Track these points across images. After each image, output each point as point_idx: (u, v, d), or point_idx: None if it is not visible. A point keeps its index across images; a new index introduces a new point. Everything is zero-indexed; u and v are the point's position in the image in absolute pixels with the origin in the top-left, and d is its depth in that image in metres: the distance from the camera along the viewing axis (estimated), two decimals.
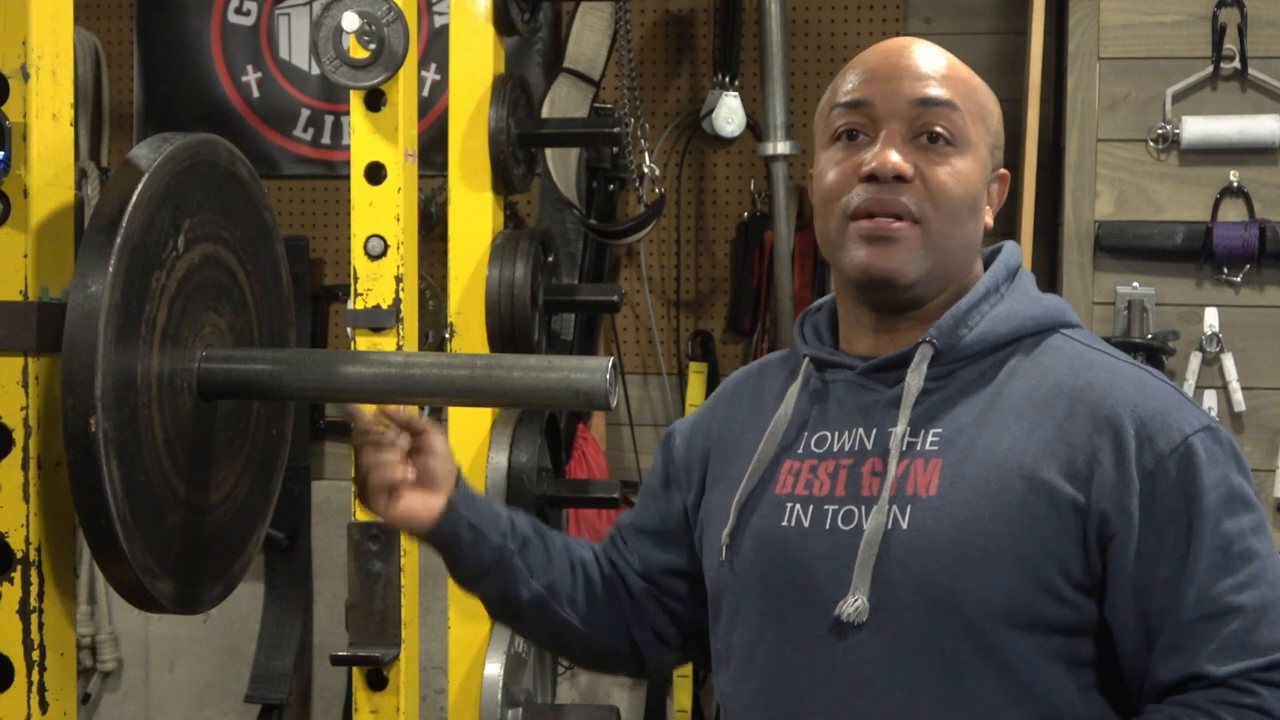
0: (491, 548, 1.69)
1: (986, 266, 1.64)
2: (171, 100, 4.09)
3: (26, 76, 1.68)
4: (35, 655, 1.69)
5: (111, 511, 1.63)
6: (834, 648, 1.51)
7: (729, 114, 3.71)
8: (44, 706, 1.70)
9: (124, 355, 1.66)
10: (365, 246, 2.47)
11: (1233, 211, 3.26)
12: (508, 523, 1.72)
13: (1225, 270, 3.25)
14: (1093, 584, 1.48)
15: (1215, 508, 1.46)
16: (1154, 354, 3.17)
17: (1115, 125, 3.30)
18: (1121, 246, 3.27)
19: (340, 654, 2.47)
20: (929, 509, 1.49)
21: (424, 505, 1.68)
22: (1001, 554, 1.46)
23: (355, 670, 2.50)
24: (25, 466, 1.69)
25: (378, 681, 2.49)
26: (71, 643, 1.77)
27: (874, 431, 1.56)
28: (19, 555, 1.69)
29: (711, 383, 3.78)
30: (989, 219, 1.63)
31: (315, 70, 3.97)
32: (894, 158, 1.53)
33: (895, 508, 1.50)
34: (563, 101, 3.43)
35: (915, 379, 1.55)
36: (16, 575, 1.69)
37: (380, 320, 2.46)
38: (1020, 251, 1.67)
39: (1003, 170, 1.65)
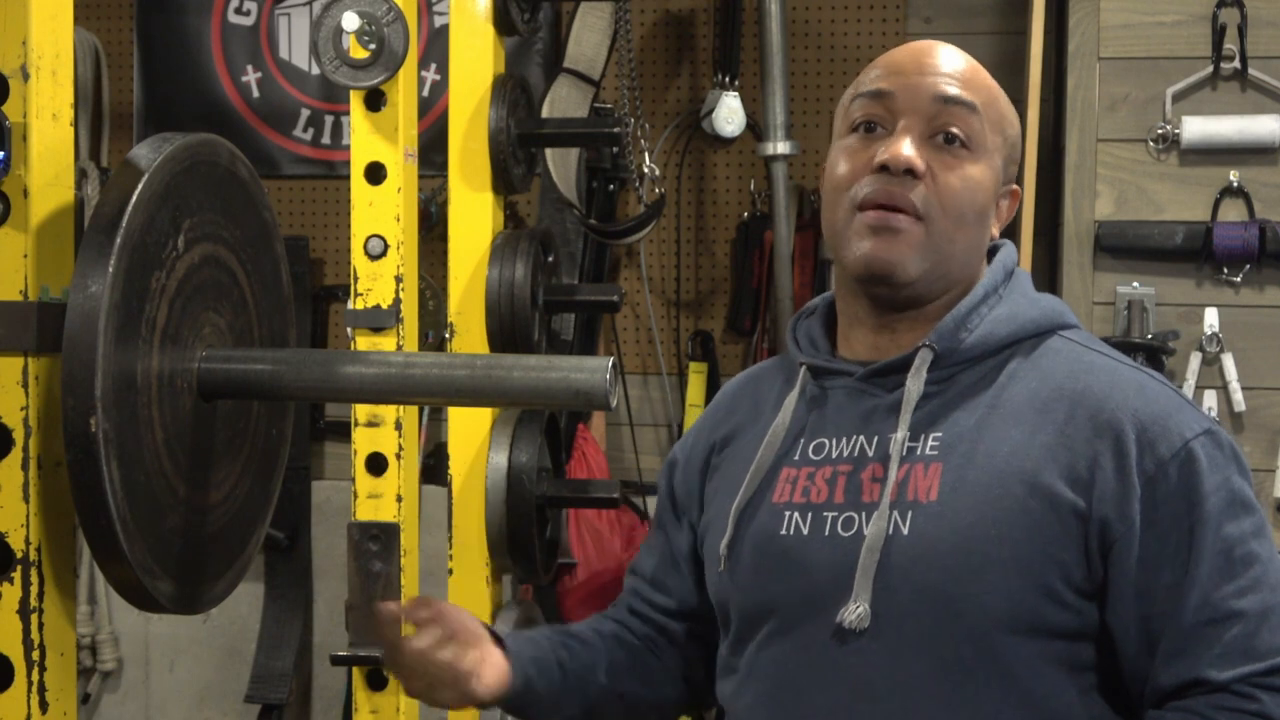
0: (554, 667, 1.68)
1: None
2: (171, 100, 4.09)
3: (26, 76, 1.68)
4: (35, 655, 1.69)
5: (111, 511, 1.62)
6: (836, 654, 1.50)
7: (729, 114, 3.71)
8: (44, 706, 1.70)
9: (124, 355, 1.66)
10: (365, 246, 2.47)
11: (1233, 211, 3.26)
12: (545, 639, 1.71)
13: (1225, 270, 3.25)
14: (1094, 589, 1.48)
15: (1216, 512, 1.46)
16: (1154, 354, 3.17)
17: (1115, 125, 3.30)
18: (1121, 246, 3.27)
19: (340, 654, 2.47)
20: (930, 515, 1.49)
21: (493, 667, 1.64)
22: (1003, 559, 1.46)
23: (355, 670, 2.50)
24: (25, 466, 1.69)
25: (378, 681, 2.49)
26: (71, 643, 1.77)
27: (874, 437, 1.55)
28: (19, 555, 1.69)
29: (711, 383, 3.78)
30: (995, 231, 1.62)
31: (315, 70, 3.97)
32: (907, 151, 1.53)
33: (896, 513, 1.50)
34: (563, 101, 3.43)
35: (915, 383, 1.54)
36: (16, 575, 1.69)
37: (380, 320, 2.46)
38: (1015, 251, 1.66)
39: (1014, 186, 1.64)
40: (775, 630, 1.56)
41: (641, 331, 3.91)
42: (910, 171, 1.53)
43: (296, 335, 2.12)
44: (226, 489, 1.91)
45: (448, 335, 2.87)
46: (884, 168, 1.53)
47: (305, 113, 4.04)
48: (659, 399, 3.91)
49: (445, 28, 3.36)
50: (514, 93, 2.91)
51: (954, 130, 1.55)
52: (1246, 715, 1.41)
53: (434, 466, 3.77)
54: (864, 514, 1.52)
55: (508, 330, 2.83)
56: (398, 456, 2.46)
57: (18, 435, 1.68)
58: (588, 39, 3.49)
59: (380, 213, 2.47)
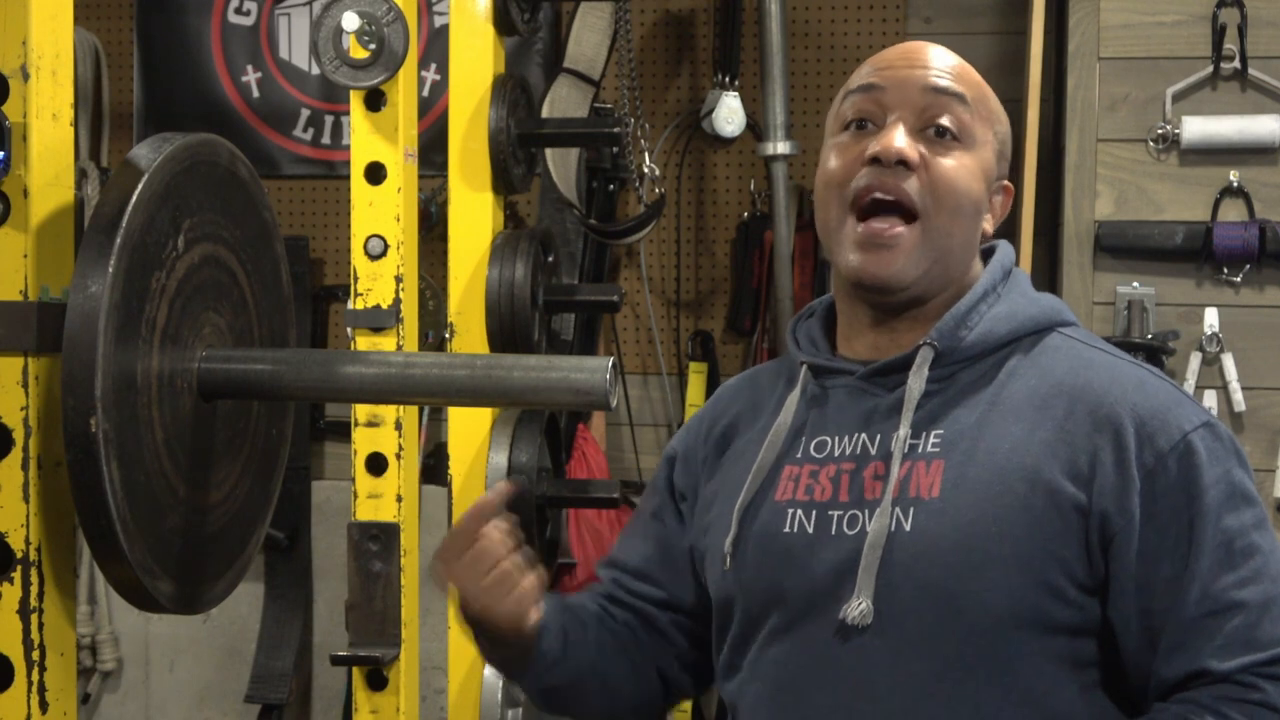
0: (559, 632, 1.65)
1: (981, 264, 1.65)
2: (171, 100, 4.09)
3: (26, 76, 1.68)
4: (35, 655, 1.69)
5: (111, 511, 1.63)
6: (839, 651, 1.50)
7: (729, 114, 3.71)
8: (44, 706, 1.70)
9: (124, 355, 1.66)
10: (365, 246, 2.47)
11: (1233, 211, 3.26)
12: (551, 602, 1.66)
13: (1225, 270, 3.25)
14: (1095, 584, 1.48)
15: (1216, 504, 1.46)
16: (1154, 354, 3.17)
17: (1115, 125, 3.30)
18: (1121, 246, 3.27)
19: (340, 654, 2.47)
20: (931, 511, 1.49)
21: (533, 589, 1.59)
22: (1005, 556, 1.46)
23: (355, 670, 2.50)
24: (25, 466, 1.69)
25: (378, 681, 2.49)
26: (71, 643, 1.77)
27: (876, 435, 1.55)
28: (19, 555, 1.69)
29: (711, 382, 3.78)
30: (989, 227, 1.62)
31: (315, 70, 3.97)
32: (899, 142, 1.53)
33: (898, 510, 1.50)
34: (563, 101, 3.43)
35: (917, 381, 1.54)
36: (16, 575, 1.69)
37: (380, 320, 2.46)
38: (1013, 251, 1.67)
39: (1007, 183, 1.64)
40: (778, 628, 1.56)
41: (641, 331, 3.91)
42: (903, 162, 1.53)
43: (296, 335, 2.12)
44: (226, 489, 1.91)
45: (448, 335, 2.87)
46: (876, 159, 1.54)
47: (305, 113, 4.04)
48: (659, 399, 3.91)
49: (445, 28, 3.36)
50: (514, 93, 2.91)
51: (944, 122, 1.56)
52: (1250, 705, 1.41)
53: (434, 466, 3.77)
54: (867, 511, 1.52)
55: (508, 330, 2.83)
56: (398, 456, 2.46)
57: (18, 435, 1.68)
58: (588, 39, 3.49)
59: (380, 213, 2.47)
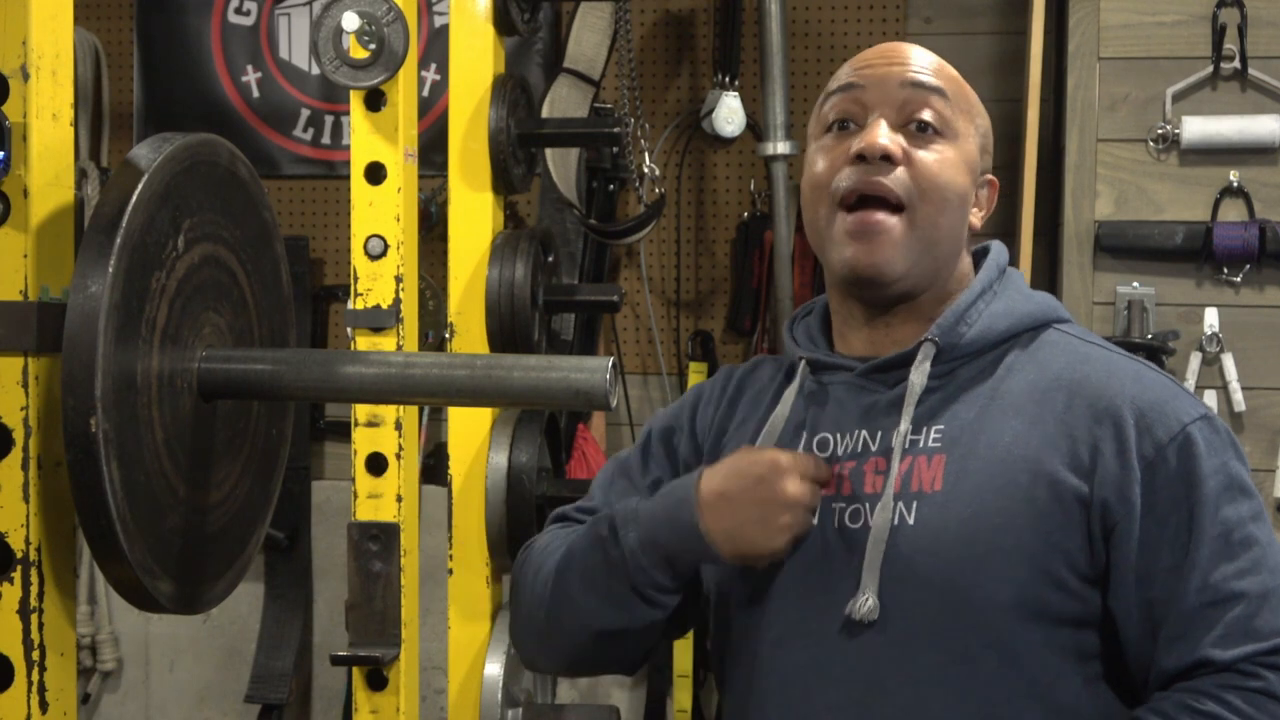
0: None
1: (976, 265, 1.66)
2: (171, 100, 4.09)
3: (26, 76, 1.68)
4: (35, 655, 1.69)
5: (111, 511, 1.62)
6: (844, 646, 1.51)
7: (729, 114, 3.71)
8: (44, 706, 1.70)
9: (124, 355, 1.66)
10: (365, 246, 2.47)
11: (1233, 211, 3.26)
12: None
13: (1225, 270, 3.25)
14: (1097, 575, 1.49)
15: (1215, 495, 1.47)
16: (1154, 354, 3.17)
17: (1115, 125, 3.30)
18: (1121, 246, 3.27)
19: (340, 654, 2.47)
20: (935, 504, 1.50)
21: None
22: (1008, 548, 1.47)
23: (355, 670, 2.50)
24: (25, 466, 1.68)
25: (378, 681, 2.49)
26: (71, 643, 1.77)
27: (876, 431, 1.56)
28: (19, 555, 1.69)
29: None
30: (976, 221, 1.64)
31: (315, 70, 3.97)
32: (882, 139, 1.55)
33: (901, 504, 1.51)
34: (563, 101, 3.43)
35: (919, 376, 1.55)
36: (16, 575, 1.69)
37: (380, 320, 2.46)
38: (1007, 250, 1.68)
39: (991, 177, 1.65)
40: (782, 622, 1.56)
41: (641, 331, 3.91)
42: (887, 157, 1.54)
43: (296, 335, 2.12)
44: (226, 489, 1.91)
45: (448, 335, 2.87)
46: (860, 157, 1.55)
47: (305, 113, 4.04)
48: (659, 399, 3.91)
49: (445, 28, 3.36)
50: (514, 93, 2.91)
51: (924, 116, 1.57)
52: (1251, 693, 1.43)
53: (434, 466, 3.77)
54: (868, 505, 1.53)
55: (508, 330, 2.83)
56: (398, 456, 2.46)
57: (18, 435, 1.68)
58: (588, 39, 3.49)
59: (380, 213, 2.47)
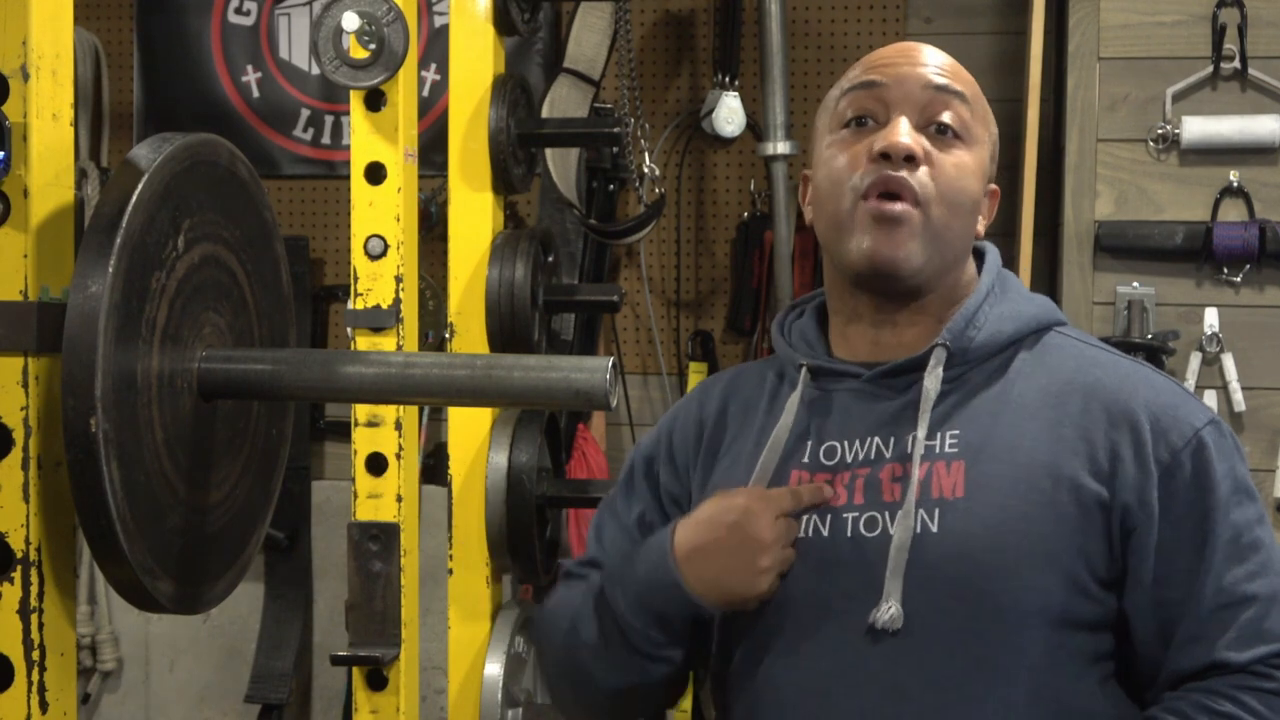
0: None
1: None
2: (171, 100, 4.09)
3: (26, 76, 1.68)
4: (35, 655, 1.69)
5: (111, 511, 1.62)
6: (866, 654, 1.49)
7: (729, 114, 3.71)
8: (44, 706, 1.70)
9: (124, 355, 1.66)
10: (365, 246, 2.47)
11: (1233, 211, 3.26)
12: None
13: (1225, 270, 3.25)
14: (1114, 579, 1.50)
15: (1225, 499, 1.49)
16: (1154, 354, 3.17)
17: (1115, 125, 3.30)
18: (1121, 246, 3.27)
19: (340, 654, 2.47)
20: (958, 511, 1.49)
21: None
22: (1034, 554, 1.47)
23: (355, 670, 2.50)
24: (25, 466, 1.68)
25: (378, 681, 2.49)
26: (71, 643, 1.77)
27: (890, 438, 1.55)
28: (19, 555, 1.68)
29: None
30: (980, 228, 1.64)
31: (315, 70, 3.97)
32: (906, 139, 1.54)
33: (923, 511, 1.50)
34: (563, 101, 3.43)
35: (933, 381, 1.54)
36: (16, 575, 1.69)
37: (380, 320, 2.46)
38: (999, 252, 1.68)
39: (994, 185, 1.65)
40: (798, 634, 1.54)
41: (641, 331, 3.91)
42: (910, 158, 1.54)
43: (296, 335, 2.12)
44: (226, 489, 1.91)
45: (448, 335, 2.87)
46: (884, 155, 1.54)
47: (305, 113, 4.04)
48: (659, 399, 3.91)
49: (445, 28, 3.36)
50: (514, 93, 2.91)
51: (946, 119, 1.57)
52: (1266, 694, 1.44)
53: (434, 466, 3.77)
54: (887, 513, 1.51)
55: (508, 330, 2.83)
56: (398, 456, 2.46)
57: (18, 435, 1.68)
58: (588, 39, 3.49)
59: (380, 213, 2.47)
